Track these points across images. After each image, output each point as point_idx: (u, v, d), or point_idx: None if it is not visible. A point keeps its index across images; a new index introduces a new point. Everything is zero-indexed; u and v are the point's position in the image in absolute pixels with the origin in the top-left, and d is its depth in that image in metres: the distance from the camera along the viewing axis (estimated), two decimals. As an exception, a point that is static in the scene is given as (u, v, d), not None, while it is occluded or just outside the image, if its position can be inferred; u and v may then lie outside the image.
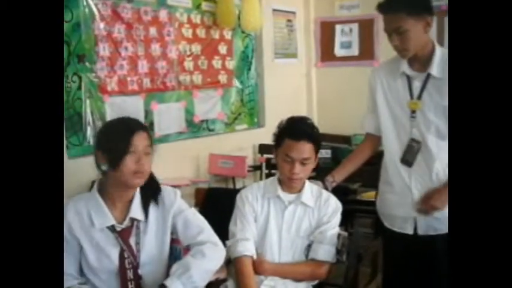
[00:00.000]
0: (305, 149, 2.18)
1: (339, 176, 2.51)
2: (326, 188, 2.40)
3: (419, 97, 2.25)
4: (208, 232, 1.97)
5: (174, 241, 1.99)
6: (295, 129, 2.23)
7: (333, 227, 2.26)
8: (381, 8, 2.23)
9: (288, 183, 2.26)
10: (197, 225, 1.96)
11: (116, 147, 1.80)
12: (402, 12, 2.15)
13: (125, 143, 1.81)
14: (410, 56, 2.25)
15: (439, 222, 2.27)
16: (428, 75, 2.23)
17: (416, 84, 2.26)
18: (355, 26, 5.39)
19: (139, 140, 1.84)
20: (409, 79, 2.28)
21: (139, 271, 1.87)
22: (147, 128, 1.94)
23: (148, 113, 3.83)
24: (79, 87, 3.34)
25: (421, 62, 2.26)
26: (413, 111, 2.26)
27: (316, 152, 2.24)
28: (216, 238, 1.97)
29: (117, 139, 1.82)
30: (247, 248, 2.20)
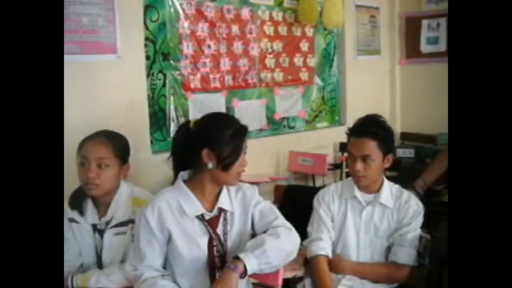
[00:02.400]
0: (365, 145, 2.15)
1: (429, 178, 2.45)
2: (418, 193, 2.34)
3: None
4: (282, 219, 1.99)
5: (252, 237, 2.01)
6: (357, 126, 2.21)
7: (414, 230, 2.20)
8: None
9: (355, 182, 2.22)
10: (272, 213, 1.99)
11: (229, 150, 1.86)
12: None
13: (238, 146, 1.87)
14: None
15: None
16: None
17: None
18: (443, 21, 5.18)
19: (245, 142, 1.91)
20: None
21: (227, 259, 1.90)
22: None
23: (229, 109, 3.89)
24: (164, 85, 3.45)
25: None
26: None
27: (385, 150, 2.18)
28: (290, 225, 1.98)
29: (230, 141, 1.87)
30: (321, 247, 2.20)
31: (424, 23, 5.29)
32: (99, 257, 2.13)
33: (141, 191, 2.23)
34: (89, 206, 2.15)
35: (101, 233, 2.13)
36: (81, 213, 2.14)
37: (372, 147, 2.15)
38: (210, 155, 1.86)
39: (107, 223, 2.13)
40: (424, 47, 5.32)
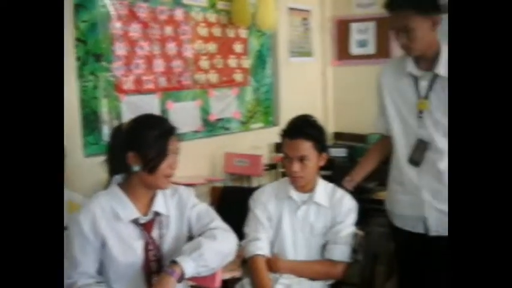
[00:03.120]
0: (301, 147, 2.18)
1: (357, 176, 2.50)
2: (345, 189, 2.39)
3: (427, 97, 2.21)
4: (219, 221, 1.98)
5: (189, 240, 2.00)
6: (291, 127, 2.23)
7: (347, 227, 2.26)
8: (387, 5, 2.21)
9: (292, 182, 2.26)
10: (209, 215, 1.99)
11: (153, 152, 1.82)
12: (409, 10, 2.12)
13: (163, 147, 1.83)
14: (417, 55, 2.22)
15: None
16: (435, 75, 2.19)
17: (423, 84, 2.23)
18: (371, 24, 5.36)
19: (174, 143, 1.88)
20: (415, 79, 2.25)
21: (163, 263, 1.88)
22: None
23: (164, 111, 3.84)
24: (95, 86, 3.37)
25: (427, 61, 2.22)
26: (420, 111, 2.23)
27: (319, 150, 2.22)
28: (227, 226, 1.98)
29: (155, 143, 1.83)
30: (258, 247, 2.22)
31: (354, 26, 5.45)
32: None
33: (76, 196, 2.17)
34: None
35: None
36: None
37: (307, 147, 2.19)
38: (135, 157, 1.83)
39: None
40: (354, 49, 5.48)
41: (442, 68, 2.17)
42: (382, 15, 5.14)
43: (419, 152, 2.25)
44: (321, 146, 2.23)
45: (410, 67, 2.25)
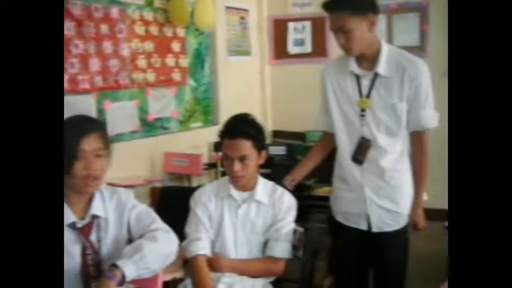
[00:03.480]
0: (241, 146, 2.19)
1: (298, 175, 2.54)
2: (286, 188, 2.42)
3: (368, 95, 2.28)
4: (160, 222, 1.95)
5: (129, 242, 1.97)
6: (230, 127, 2.24)
7: (288, 224, 2.29)
8: (326, 6, 2.24)
9: (233, 182, 2.27)
10: (149, 216, 1.95)
11: (67, 154, 1.76)
12: (346, 11, 2.16)
13: (73, 148, 1.76)
14: (357, 55, 2.27)
15: (391, 218, 2.34)
16: (376, 74, 2.26)
17: (365, 83, 2.29)
18: (307, 24, 5.45)
19: (89, 144, 1.79)
20: (357, 78, 2.31)
21: (102, 267, 1.84)
22: (102, 127, 1.88)
23: (101, 112, 3.76)
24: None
25: (368, 60, 2.28)
26: (362, 110, 2.29)
27: (259, 148, 2.24)
28: (168, 227, 1.95)
29: (66, 144, 1.76)
30: (200, 247, 2.21)
31: (291, 25, 5.53)
32: None
33: None
34: None
35: None
36: None
37: (247, 147, 2.20)
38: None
39: None
40: (291, 48, 5.56)
41: (382, 67, 2.24)
42: (318, 15, 5.30)
43: (362, 150, 2.31)
44: (260, 144, 2.25)
45: (353, 66, 2.30)
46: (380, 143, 2.28)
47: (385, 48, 2.27)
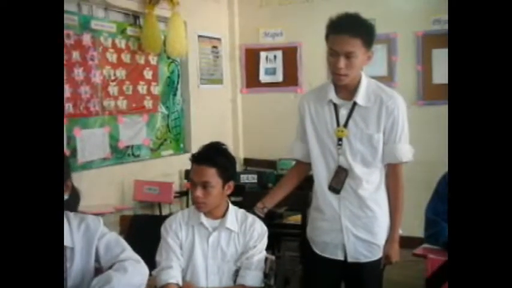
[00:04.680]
0: (204, 172, 2.20)
1: (269, 202, 2.53)
2: (257, 215, 2.41)
3: (346, 125, 2.29)
4: (130, 252, 1.93)
5: (97, 271, 1.94)
6: (199, 153, 2.25)
7: (259, 252, 2.28)
8: (338, 28, 2.20)
9: (195, 208, 2.27)
10: (119, 245, 1.93)
11: None
12: (358, 38, 2.16)
13: None
14: (346, 83, 2.26)
15: (367, 249, 2.33)
16: (354, 104, 2.28)
17: (343, 112, 2.30)
18: (279, 53, 5.53)
19: None
20: (336, 107, 2.32)
21: None
22: None
23: (71, 138, 3.73)
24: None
25: (348, 90, 2.30)
26: (339, 139, 2.30)
27: (225, 178, 2.23)
28: (138, 257, 1.93)
29: None
30: (171, 276, 2.19)
31: (262, 55, 5.60)
32: None
33: None
34: None
35: None
36: None
37: (211, 174, 2.20)
38: None
39: None
40: (263, 77, 5.63)
41: (361, 97, 2.26)
42: (290, 45, 5.39)
43: (339, 178, 2.30)
44: (227, 173, 2.24)
45: (332, 95, 2.31)
46: (357, 172, 2.29)
47: (365, 80, 2.30)
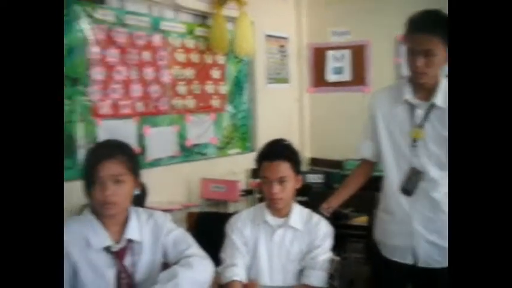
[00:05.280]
0: (280, 168, 2.21)
1: (334, 202, 2.50)
2: (322, 214, 2.39)
3: (421, 126, 2.20)
4: (196, 248, 1.96)
5: (164, 266, 1.98)
6: (269, 150, 2.27)
7: (324, 252, 2.26)
8: (418, 26, 2.14)
9: (271, 205, 2.27)
10: (186, 241, 1.96)
11: (85, 179, 1.82)
12: (438, 37, 2.08)
13: (90, 174, 1.81)
14: (426, 81, 2.18)
15: (440, 254, 2.21)
16: (432, 105, 2.18)
17: (419, 113, 2.21)
18: (346, 52, 5.46)
19: (106, 169, 1.81)
20: (411, 107, 2.23)
21: None
22: (126, 152, 1.90)
23: (140, 136, 3.83)
24: (72, 111, 3.35)
25: (426, 90, 2.21)
26: (414, 140, 2.21)
27: (296, 171, 2.25)
28: (204, 253, 1.95)
29: (86, 169, 1.83)
30: (235, 273, 2.21)
31: (330, 53, 5.54)
32: None
33: None
34: None
35: None
36: None
37: (286, 168, 2.22)
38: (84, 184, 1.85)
39: None
40: (330, 76, 5.56)
41: (440, 98, 2.16)
42: (357, 43, 5.30)
43: (412, 181, 2.22)
44: (297, 167, 2.27)
45: (408, 95, 2.23)
46: (431, 175, 2.20)
47: (444, 80, 2.20)
